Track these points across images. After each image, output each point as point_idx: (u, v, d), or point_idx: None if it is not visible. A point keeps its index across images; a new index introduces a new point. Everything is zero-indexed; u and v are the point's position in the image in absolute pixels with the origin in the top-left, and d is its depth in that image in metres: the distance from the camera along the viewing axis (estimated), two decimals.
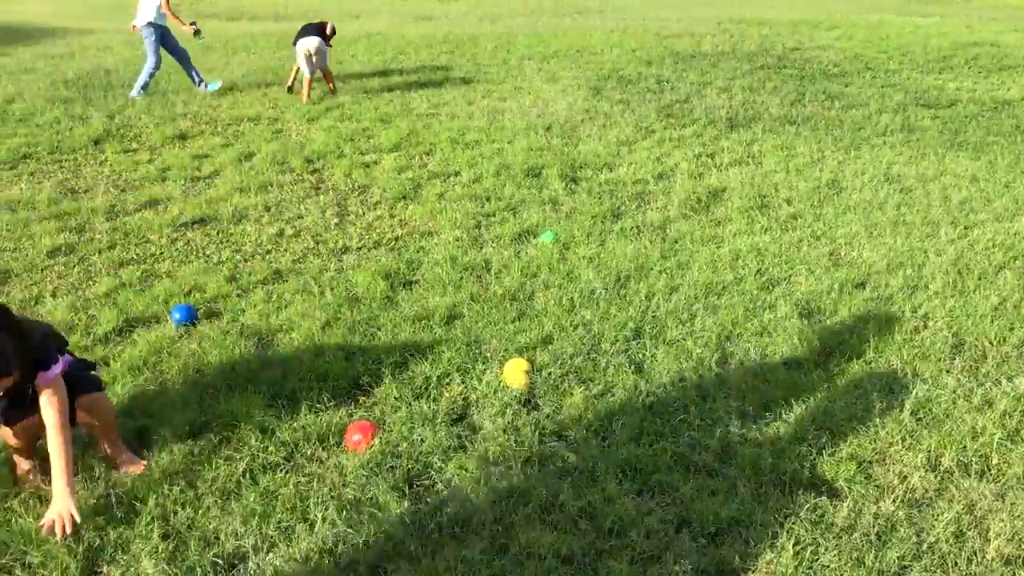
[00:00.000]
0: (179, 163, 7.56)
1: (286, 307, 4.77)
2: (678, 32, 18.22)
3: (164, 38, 10.72)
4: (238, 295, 4.94)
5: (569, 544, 2.91)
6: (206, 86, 10.92)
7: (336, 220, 6.29)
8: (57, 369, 2.94)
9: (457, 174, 7.49)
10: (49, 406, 2.89)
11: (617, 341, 4.38)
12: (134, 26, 10.74)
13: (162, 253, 5.57)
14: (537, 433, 3.56)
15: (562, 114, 9.82)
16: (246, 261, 5.48)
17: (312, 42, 10.52)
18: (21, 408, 2.99)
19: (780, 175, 7.54)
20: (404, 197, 6.84)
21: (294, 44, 10.78)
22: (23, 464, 3.26)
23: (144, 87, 10.54)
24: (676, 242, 5.86)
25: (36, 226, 5.92)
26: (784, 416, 3.74)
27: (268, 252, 5.64)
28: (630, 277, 5.20)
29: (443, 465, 3.34)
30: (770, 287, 5.16)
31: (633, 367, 4.13)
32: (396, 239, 5.92)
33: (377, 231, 6.08)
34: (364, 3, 26.05)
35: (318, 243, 5.83)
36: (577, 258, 5.49)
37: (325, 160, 7.86)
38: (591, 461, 3.38)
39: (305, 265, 5.42)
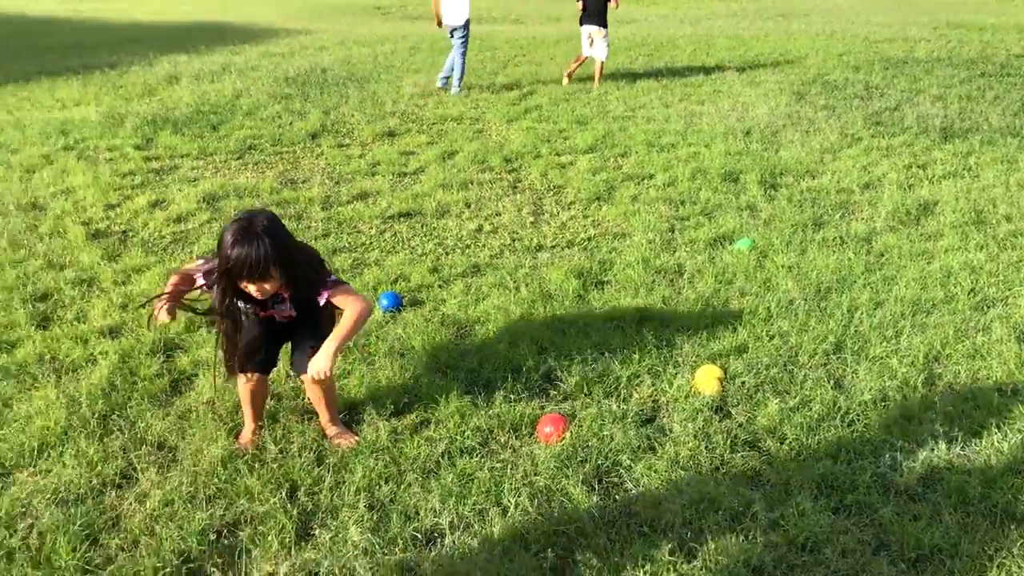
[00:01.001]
0: (387, 159, 7.97)
1: (483, 299, 4.94)
2: (889, 37, 17.32)
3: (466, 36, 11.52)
4: (439, 286, 5.17)
5: (759, 555, 2.87)
6: (448, 88, 11.48)
7: (532, 218, 6.45)
8: (331, 280, 3.26)
9: (652, 177, 7.48)
10: (348, 300, 3.24)
11: (816, 354, 4.25)
12: (442, 23, 11.46)
13: (371, 243, 5.91)
14: (729, 441, 3.52)
15: (762, 119, 9.59)
16: (447, 254, 5.72)
17: (593, 28, 11.89)
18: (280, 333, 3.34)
19: (999, 190, 7.04)
20: (598, 198, 6.91)
21: (580, 24, 12.09)
22: (248, 426, 3.57)
23: (460, 81, 11.37)
24: (882, 255, 5.61)
25: None
26: (996, 444, 3.52)
27: (468, 246, 5.86)
28: (831, 289, 5.03)
29: (632, 464, 3.38)
30: (984, 308, 4.85)
31: (832, 382, 4.00)
32: (589, 239, 6.00)
33: (571, 231, 6.18)
34: (565, 6, 26.38)
35: (514, 240, 6.00)
36: (775, 266, 5.36)
37: (522, 160, 8.05)
38: (785, 474, 3.31)
39: (502, 260, 5.59)
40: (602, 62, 12.08)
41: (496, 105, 10.58)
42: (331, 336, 3.21)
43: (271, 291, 3.15)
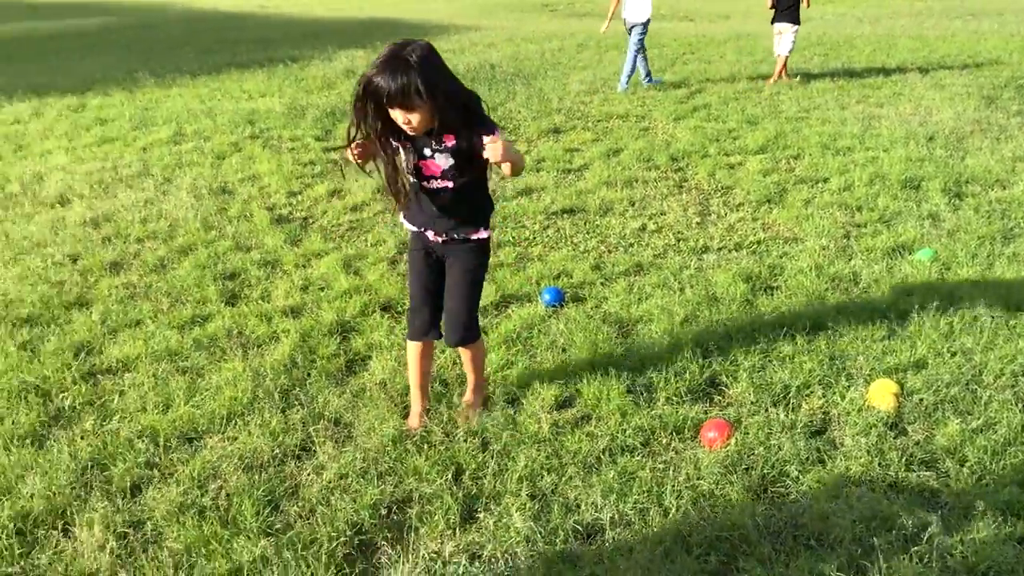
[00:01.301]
0: (552, 155, 8.04)
1: (646, 299, 4.92)
2: None
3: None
4: (602, 283, 5.18)
5: None
6: (651, 86, 11.52)
7: (698, 219, 6.35)
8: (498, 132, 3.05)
9: (826, 180, 7.22)
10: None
11: (1003, 375, 4.00)
12: (630, 28, 11.45)
13: (535, 238, 5.99)
14: (904, 459, 3.37)
15: (948, 124, 9.06)
16: (610, 252, 5.73)
17: (784, 25, 11.93)
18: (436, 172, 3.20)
19: None
20: (768, 201, 6.73)
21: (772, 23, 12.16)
22: (415, 408, 3.71)
23: (649, 76, 11.48)
24: None
25: None
26: None
27: (631, 245, 5.85)
28: (1021, 307, 4.71)
29: (800, 476, 3.28)
30: None
31: (1021, 405, 3.75)
32: (758, 243, 5.86)
33: (739, 233, 6.05)
34: (736, 4, 25.79)
35: (679, 240, 5.93)
36: (959, 280, 5.07)
37: (689, 159, 7.95)
38: (965, 498, 3.14)
39: (666, 261, 5.54)
40: (785, 57, 11.87)
41: (663, 103, 10.48)
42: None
43: (417, 126, 3.01)
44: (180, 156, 7.94)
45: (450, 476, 3.29)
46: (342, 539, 2.96)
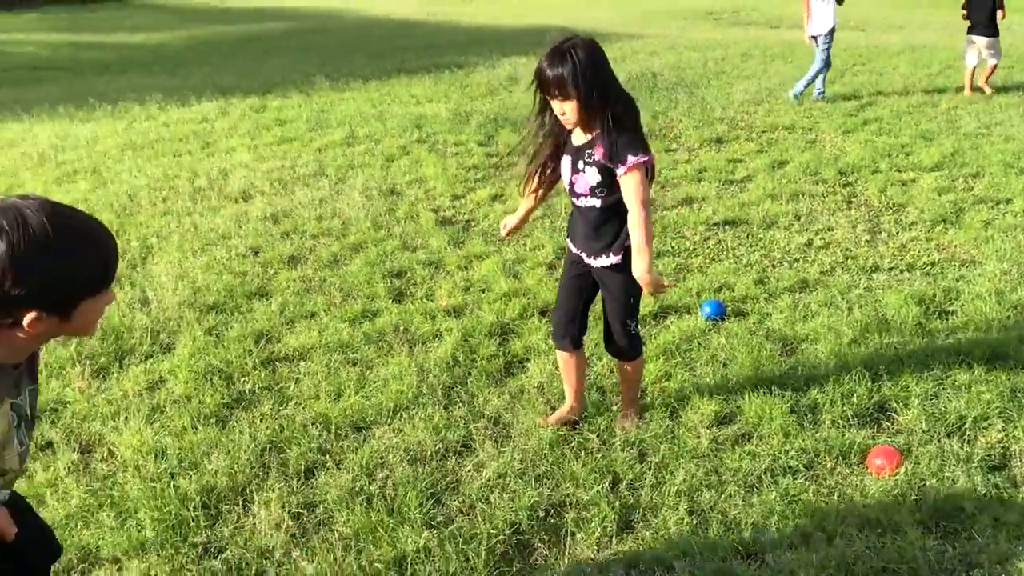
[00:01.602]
0: (714, 165, 7.93)
1: (812, 317, 4.78)
2: None
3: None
4: (765, 299, 5.07)
5: None
6: (821, 94, 11.22)
7: (867, 237, 6.12)
8: (645, 160, 3.15)
9: (1008, 201, 6.80)
10: (632, 193, 3.14)
11: None
12: (812, 37, 11.20)
13: (695, 249, 5.92)
14: None
15: None
16: (774, 267, 5.60)
17: (980, 39, 11.37)
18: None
19: None
20: (943, 220, 6.40)
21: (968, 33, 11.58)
22: (567, 404, 3.75)
23: (802, 91, 11.03)
24: None
25: None
26: None
27: (796, 260, 5.69)
28: None
29: (976, 513, 3.12)
30: None
31: None
32: (932, 264, 5.59)
33: (911, 253, 5.79)
34: (913, 13, 24.61)
35: (847, 258, 5.73)
36: None
37: (859, 174, 7.65)
38: None
39: (833, 278, 5.37)
40: (993, 65, 11.38)
41: (831, 115, 10.13)
42: (633, 242, 3.16)
43: (571, 118, 3.16)
44: (352, 158, 8.31)
45: (607, 484, 3.31)
46: (500, 537, 3.04)
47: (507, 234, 3.78)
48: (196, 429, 3.73)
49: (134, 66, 15.65)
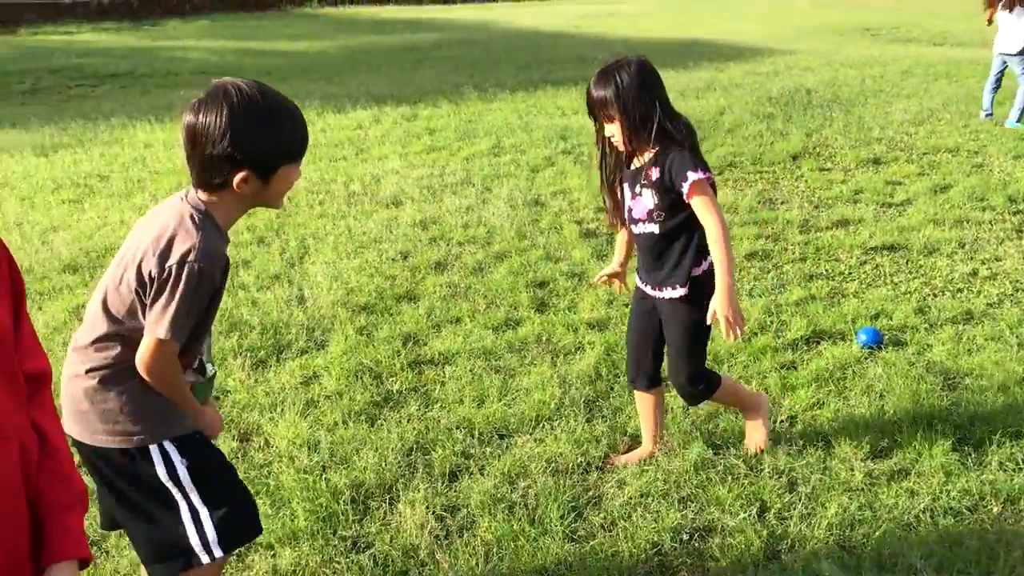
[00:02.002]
0: (871, 187, 7.61)
1: (977, 351, 4.52)
2: None
3: None
4: (925, 328, 4.82)
5: None
6: (989, 115, 10.64)
7: None
8: (707, 176, 3.03)
9: None
10: (706, 210, 3.00)
11: None
12: (1001, 55, 10.69)
13: (850, 273, 5.70)
14: None
15: None
16: (935, 296, 5.32)
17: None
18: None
19: None
20: None
21: None
22: (644, 446, 3.65)
23: (1021, 117, 10.38)
24: None
25: (737, 229, 6.51)
26: None
27: (959, 290, 5.40)
28: None
29: None
30: None
31: None
32: None
33: None
34: None
35: (1017, 290, 5.39)
36: None
37: None
38: None
39: (1001, 311, 5.05)
40: None
41: (1000, 137, 9.57)
42: (718, 275, 2.97)
43: (619, 140, 3.12)
44: (498, 167, 8.43)
45: (754, 512, 3.22)
46: (642, 556, 3.00)
47: (603, 283, 3.69)
48: (347, 425, 3.86)
49: (294, 73, 16.39)
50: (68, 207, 7.42)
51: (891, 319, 4.94)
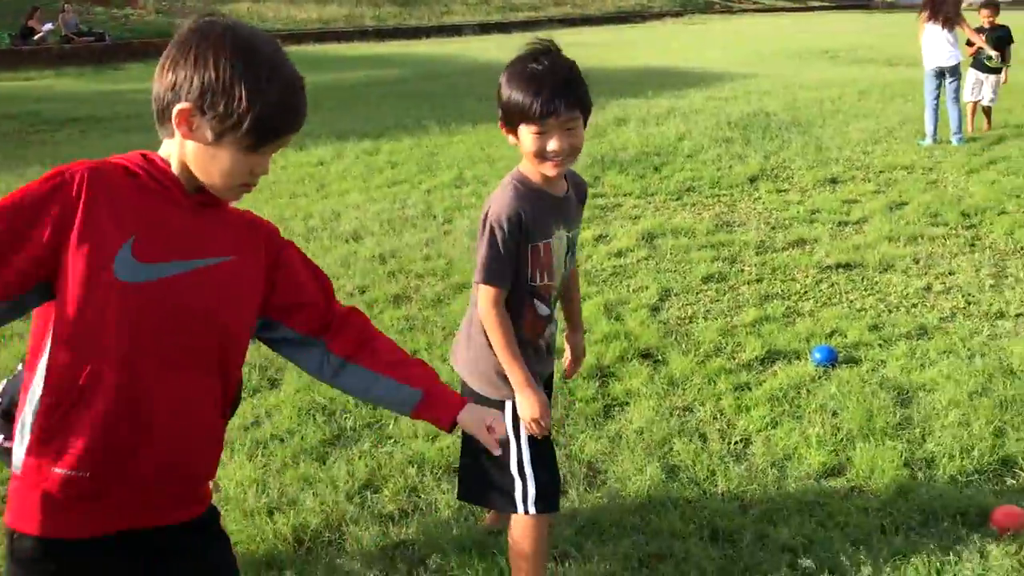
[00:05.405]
0: (828, 206, 7.68)
1: (930, 366, 4.54)
2: None
3: None
4: (880, 345, 4.85)
5: None
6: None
7: (992, 281, 5.80)
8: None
9: None
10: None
11: None
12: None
13: (806, 292, 5.73)
14: None
15: None
16: (889, 312, 5.36)
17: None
18: None
19: None
20: None
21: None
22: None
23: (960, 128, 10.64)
24: None
25: (694, 253, 6.54)
26: None
27: (913, 306, 5.44)
28: None
29: None
30: None
31: None
32: None
33: None
34: None
35: (969, 303, 5.44)
36: None
37: (983, 216, 7.28)
38: None
39: (953, 325, 5.10)
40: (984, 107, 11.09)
41: (954, 155, 9.72)
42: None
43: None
44: (460, 199, 8.42)
45: (707, 535, 3.19)
46: None
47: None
48: (297, 465, 3.80)
49: None
50: None
51: (846, 336, 4.97)
